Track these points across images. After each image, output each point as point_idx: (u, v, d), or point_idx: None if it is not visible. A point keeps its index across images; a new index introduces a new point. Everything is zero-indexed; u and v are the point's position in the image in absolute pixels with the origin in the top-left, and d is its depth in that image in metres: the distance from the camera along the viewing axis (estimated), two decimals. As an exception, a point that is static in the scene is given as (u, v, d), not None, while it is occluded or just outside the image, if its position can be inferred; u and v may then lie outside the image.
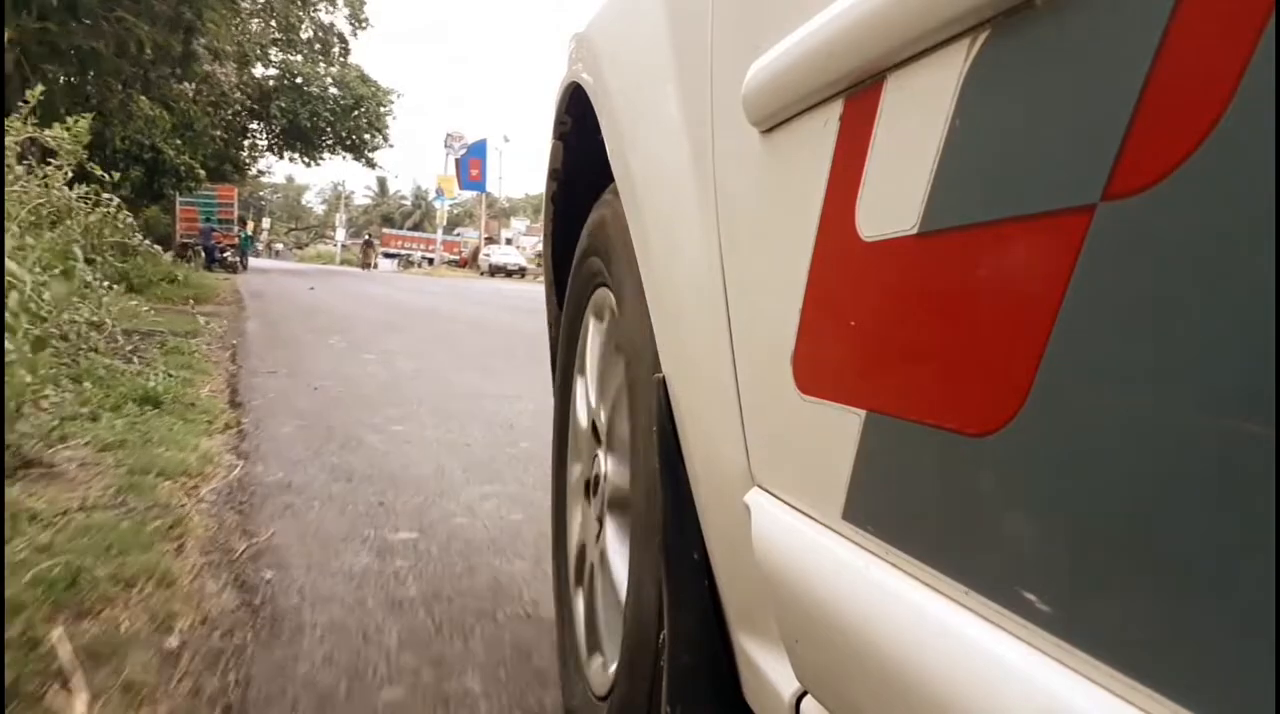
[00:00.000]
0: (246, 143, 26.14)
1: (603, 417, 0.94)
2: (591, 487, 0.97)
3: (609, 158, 0.83)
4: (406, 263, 36.80)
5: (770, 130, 0.52)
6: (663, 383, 0.66)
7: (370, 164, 27.16)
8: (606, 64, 0.90)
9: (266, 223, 51.47)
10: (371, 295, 12.06)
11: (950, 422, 0.35)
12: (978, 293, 0.33)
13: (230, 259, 21.07)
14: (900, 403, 0.39)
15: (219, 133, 18.88)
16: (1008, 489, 0.32)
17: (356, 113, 24.91)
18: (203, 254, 19.98)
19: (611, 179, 0.84)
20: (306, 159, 27.26)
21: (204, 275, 14.12)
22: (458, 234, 42.06)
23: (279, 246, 52.43)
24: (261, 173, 33.67)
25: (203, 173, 16.10)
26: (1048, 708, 0.28)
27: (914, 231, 0.37)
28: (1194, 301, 0.24)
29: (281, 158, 28.01)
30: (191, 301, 7.85)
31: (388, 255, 37.70)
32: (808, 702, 0.49)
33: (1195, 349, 0.24)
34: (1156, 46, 0.25)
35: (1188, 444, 0.24)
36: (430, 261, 35.58)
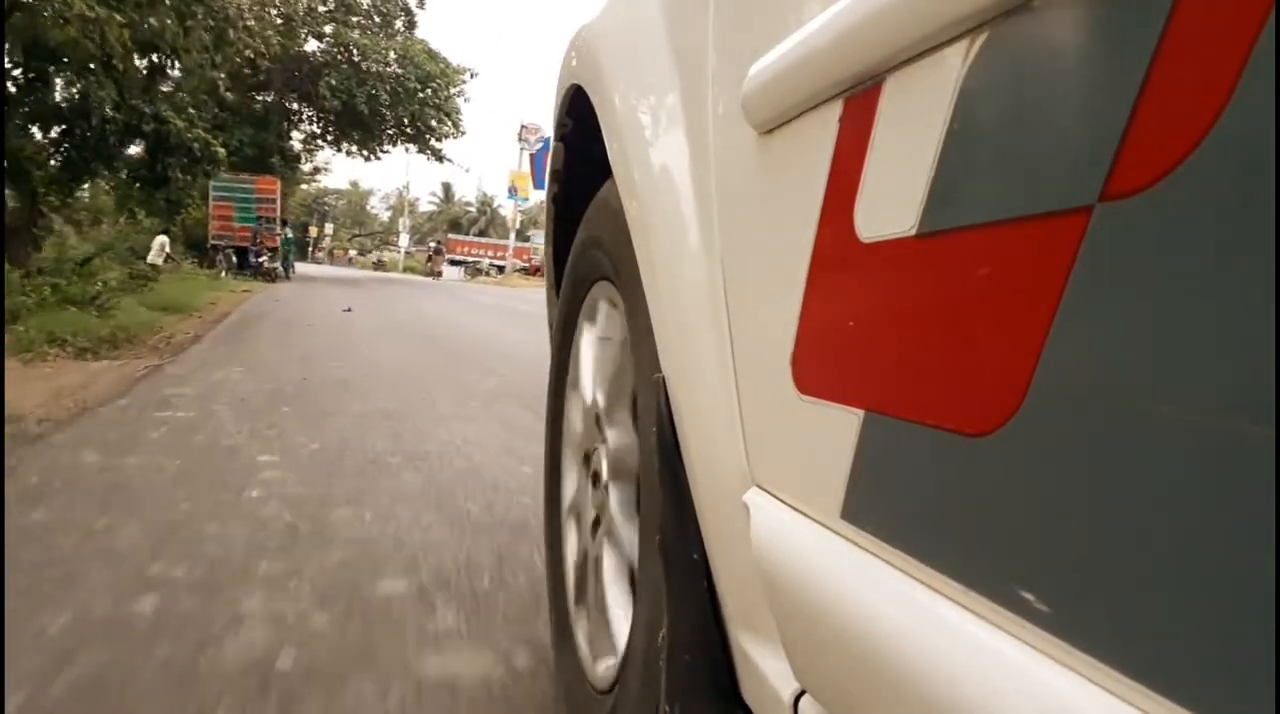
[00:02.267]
0: (292, 129, 21.58)
1: (601, 413, 0.95)
2: (591, 482, 0.97)
3: (610, 159, 0.83)
4: (475, 271, 33.07)
5: (769, 132, 0.52)
6: (662, 382, 0.66)
7: (438, 156, 22.34)
8: (606, 66, 0.90)
9: (329, 228, 49.24)
10: (434, 325, 7.13)
11: (948, 421, 0.35)
12: (976, 294, 0.33)
13: (267, 265, 16.56)
14: (899, 403, 0.39)
15: (214, 91, 14.11)
16: (1006, 488, 0.32)
17: (423, 94, 20.22)
18: (233, 258, 16.53)
19: (611, 175, 0.84)
20: (365, 151, 22.54)
21: (206, 287, 10.52)
22: (528, 239, 38.42)
23: (354, 253, 48.73)
24: (319, 169, 28.53)
25: (222, 152, 11.94)
26: (1047, 708, 0.29)
27: (912, 233, 0.37)
28: (1191, 302, 0.24)
29: (339, 149, 22.97)
30: (95, 347, 4.33)
31: (453, 262, 33.55)
32: (806, 701, 0.49)
33: (1193, 349, 0.24)
34: (1154, 47, 0.25)
35: (1186, 444, 0.24)
36: (500, 269, 31.94)
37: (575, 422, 1.07)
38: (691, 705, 0.62)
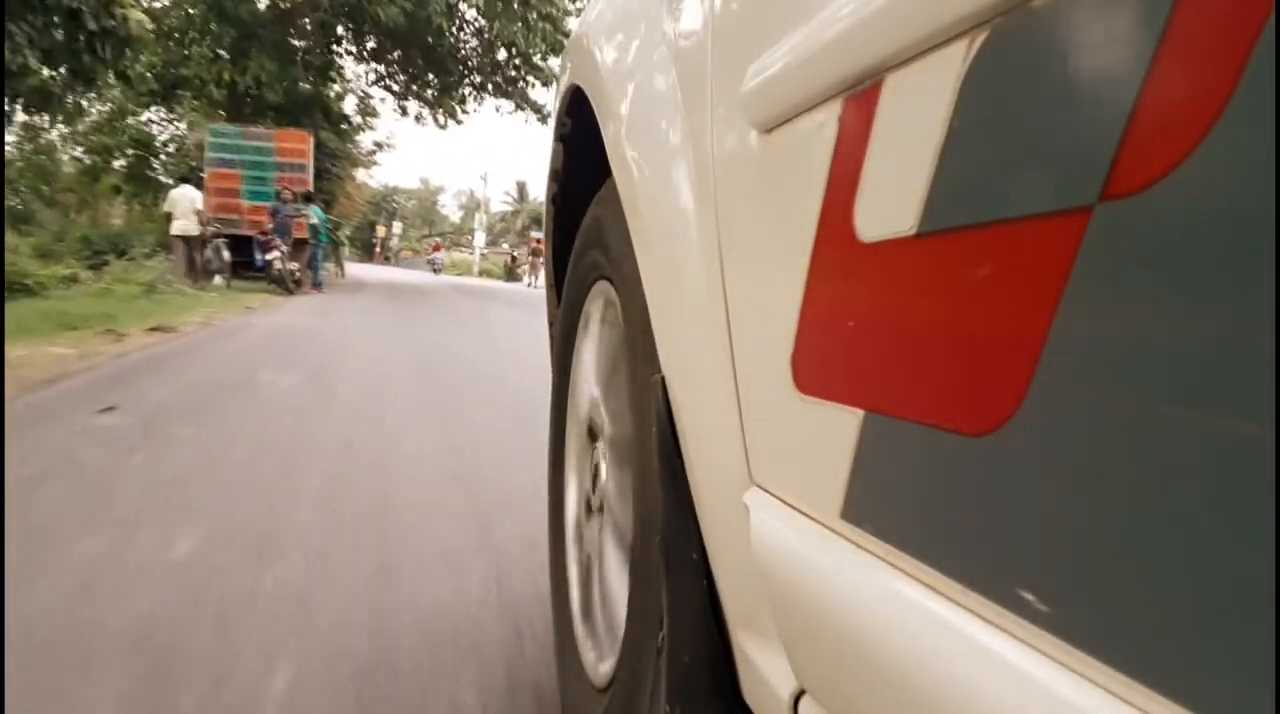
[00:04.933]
0: (335, 73, 14.49)
1: (602, 411, 0.95)
2: (590, 480, 0.97)
3: (609, 159, 0.83)
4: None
5: (770, 130, 0.52)
6: (662, 383, 0.66)
7: (539, 113, 15.08)
8: (605, 65, 0.90)
9: (398, 227, 45.46)
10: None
11: (948, 421, 0.35)
12: (976, 294, 0.33)
13: (279, 268, 10.13)
14: (898, 403, 0.39)
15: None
16: (1005, 488, 0.32)
17: (522, 18, 12.63)
18: (224, 254, 10.18)
19: (611, 175, 0.84)
20: (440, 110, 15.27)
21: (106, 314, 5.26)
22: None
23: (440, 257, 35.23)
24: (380, 147, 20.54)
25: (142, 19, 6.62)
26: (1047, 708, 0.29)
27: (912, 233, 0.37)
28: (1192, 302, 0.24)
29: (404, 112, 16.08)
30: None
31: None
32: (806, 701, 0.49)
33: (1193, 349, 0.24)
34: (1154, 47, 0.25)
35: (1186, 444, 0.24)
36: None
37: (577, 424, 1.07)
38: (692, 705, 0.62)
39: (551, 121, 1.18)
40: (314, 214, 11.35)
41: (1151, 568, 0.26)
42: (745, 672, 0.59)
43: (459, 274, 32.20)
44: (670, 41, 0.71)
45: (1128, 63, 0.26)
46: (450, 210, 60.20)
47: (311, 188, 11.80)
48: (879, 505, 0.41)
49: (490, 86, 14.85)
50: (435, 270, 29.84)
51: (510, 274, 27.82)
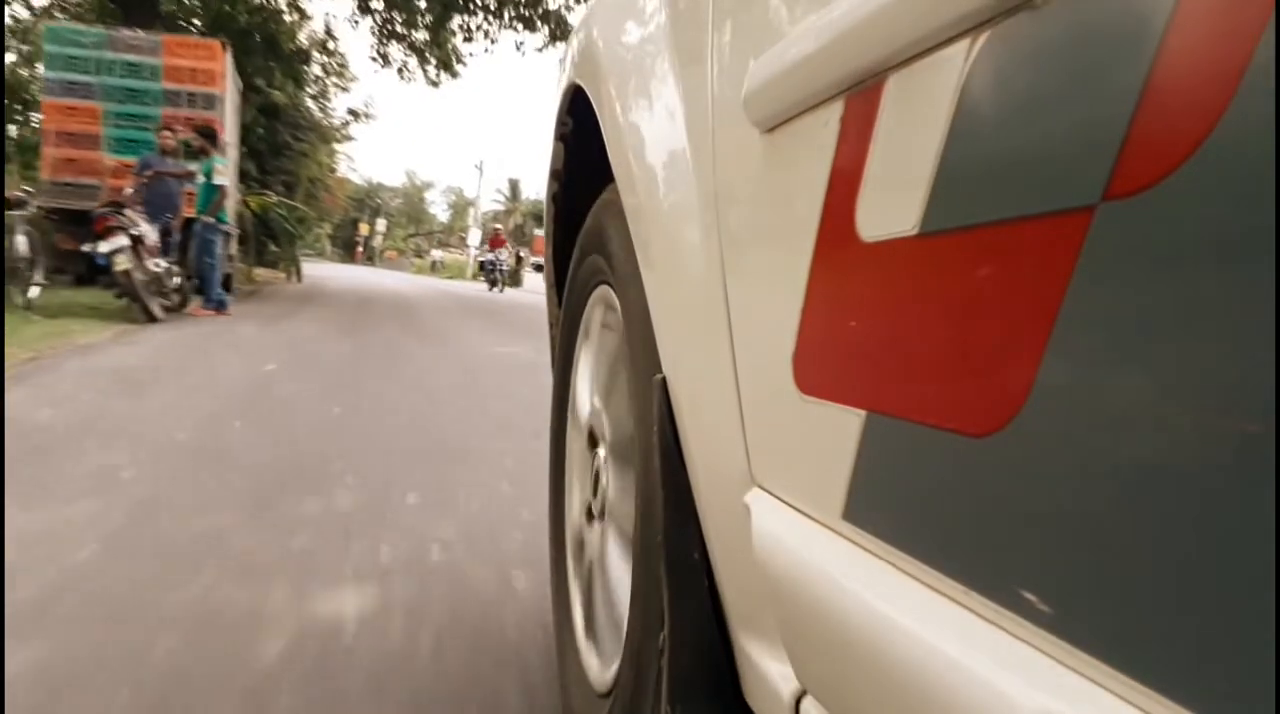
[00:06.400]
0: None
1: (602, 416, 0.95)
2: (591, 485, 0.97)
3: (610, 159, 0.83)
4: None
5: (771, 130, 0.52)
6: (663, 383, 0.66)
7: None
8: (606, 64, 0.90)
9: (382, 225, 42.90)
10: None
11: (950, 422, 0.35)
12: (978, 294, 0.33)
13: (126, 269, 4.99)
14: (900, 403, 0.39)
15: None
16: (1008, 489, 0.32)
17: None
18: (21, 245, 5.37)
19: (612, 177, 0.84)
20: (434, 58, 10.70)
21: None
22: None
23: (505, 257, 18.26)
24: (357, 115, 15.44)
25: None
26: (1047, 708, 0.28)
27: (914, 232, 0.37)
28: (1194, 302, 0.24)
29: (385, 60, 11.22)
30: None
31: (538, 267, 21.43)
32: (807, 701, 0.49)
33: (1196, 349, 0.24)
34: (1156, 46, 0.25)
35: (1188, 444, 0.24)
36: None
37: (578, 428, 1.07)
38: (693, 706, 0.62)
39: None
40: (218, 164, 6.22)
41: (1153, 569, 0.26)
42: (747, 672, 0.59)
43: (449, 277, 28.02)
44: (671, 41, 0.71)
45: (1129, 63, 0.26)
46: (439, 209, 57.99)
47: (224, 131, 6.96)
48: (881, 506, 0.41)
49: (506, 14, 10.13)
50: (494, 283, 17.73)
51: (513, 278, 23.92)
